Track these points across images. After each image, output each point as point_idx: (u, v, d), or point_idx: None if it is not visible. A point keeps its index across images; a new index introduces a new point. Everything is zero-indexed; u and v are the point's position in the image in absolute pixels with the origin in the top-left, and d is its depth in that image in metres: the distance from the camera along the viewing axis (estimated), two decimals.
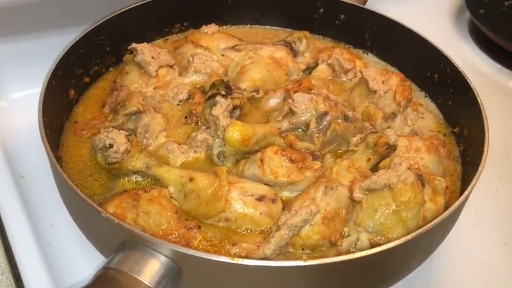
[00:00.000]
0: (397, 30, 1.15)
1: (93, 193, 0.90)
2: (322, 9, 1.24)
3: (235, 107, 0.97)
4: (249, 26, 1.29)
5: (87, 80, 1.10)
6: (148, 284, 0.68)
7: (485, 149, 0.88)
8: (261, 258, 0.78)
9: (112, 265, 0.70)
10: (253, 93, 1.04)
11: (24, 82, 1.16)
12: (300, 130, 0.97)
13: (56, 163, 0.83)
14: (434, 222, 0.76)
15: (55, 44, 1.02)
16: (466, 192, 0.81)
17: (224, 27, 1.25)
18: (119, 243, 0.73)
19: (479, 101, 0.97)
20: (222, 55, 1.15)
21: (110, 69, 1.15)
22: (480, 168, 0.84)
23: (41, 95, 0.92)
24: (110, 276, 0.69)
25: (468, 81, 1.01)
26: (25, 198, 1.00)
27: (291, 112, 0.97)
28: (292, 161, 0.90)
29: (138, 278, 0.68)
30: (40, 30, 1.16)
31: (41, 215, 0.98)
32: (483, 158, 0.86)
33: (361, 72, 1.08)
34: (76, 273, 0.89)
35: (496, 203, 1.08)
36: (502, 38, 1.39)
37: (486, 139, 0.89)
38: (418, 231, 0.74)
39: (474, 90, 0.99)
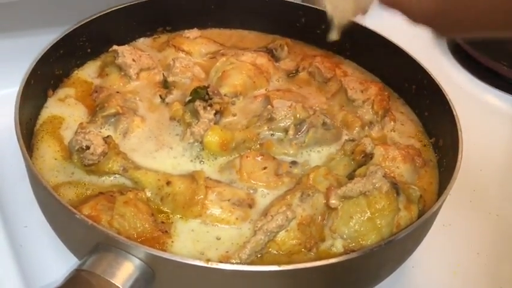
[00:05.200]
0: (376, 40, 1.16)
1: None
2: (303, 18, 1.25)
3: (215, 112, 0.97)
4: (231, 29, 1.29)
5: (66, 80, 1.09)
6: (121, 287, 0.68)
7: (459, 160, 0.89)
8: (235, 263, 0.78)
9: (85, 267, 0.69)
10: (233, 99, 1.05)
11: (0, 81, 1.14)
12: (278, 136, 0.98)
13: (31, 164, 0.82)
14: (407, 229, 0.77)
15: (33, 44, 1.01)
16: (438, 202, 0.83)
17: (207, 29, 1.26)
18: (92, 246, 0.73)
19: (455, 113, 0.99)
20: (204, 60, 1.15)
21: None
22: (453, 179, 0.86)
23: (18, 95, 0.91)
24: (82, 278, 0.68)
25: (444, 93, 1.03)
26: None
27: (271, 118, 0.98)
28: (270, 166, 0.91)
29: (111, 281, 0.68)
30: (18, 29, 1.15)
31: (14, 216, 0.97)
32: (456, 169, 0.87)
33: (340, 80, 1.10)
34: (49, 275, 0.88)
35: (469, 213, 1.10)
36: (479, 51, 1.42)
37: (460, 150, 0.91)
38: (390, 238, 0.76)
39: (450, 102, 1.00)
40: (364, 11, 0.72)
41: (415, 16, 0.66)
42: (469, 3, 0.60)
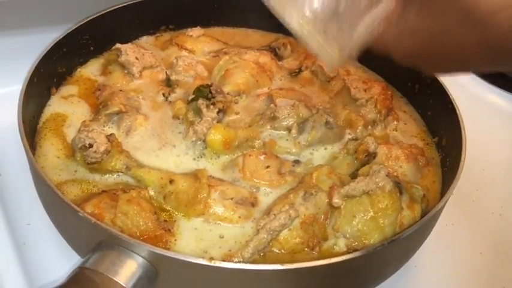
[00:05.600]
0: None
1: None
2: None
3: (218, 111, 0.97)
4: (234, 28, 1.29)
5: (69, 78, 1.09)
6: (124, 285, 0.68)
7: (462, 159, 0.89)
8: (238, 261, 0.78)
9: (88, 265, 0.70)
10: (236, 97, 1.05)
11: (3, 79, 1.14)
12: (281, 135, 0.98)
13: (34, 162, 0.82)
14: (410, 229, 0.77)
15: (36, 42, 1.01)
16: (441, 201, 0.83)
17: (210, 28, 1.26)
18: (95, 243, 0.73)
19: (458, 112, 0.98)
20: (207, 58, 1.16)
21: None
22: (456, 179, 0.86)
23: (21, 93, 0.91)
24: (86, 276, 0.68)
25: (448, 92, 1.02)
26: (2, 196, 0.99)
27: (274, 117, 0.98)
28: (273, 165, 0.91)
29: (114, 279, 0.68)
30: (22, 27, 1.15)
31: (17, 214, 0.97)
32: (459, 168, 0.87)
33: (343, 79, 1.10)
34: (52, 273, 0.88)
35: (472, 213, 1.10)
36: None
37: (463, 150, 0.91)
38: (393, 238, 0.76)
39: (453, 102, 1.00)
40: (352, 57, 0.72)
41: (399, 57, 0.67)
42: (444, 39, 0.61)
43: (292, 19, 0.64)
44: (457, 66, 0.67)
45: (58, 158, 0.93)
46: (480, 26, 0.57)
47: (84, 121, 0.95)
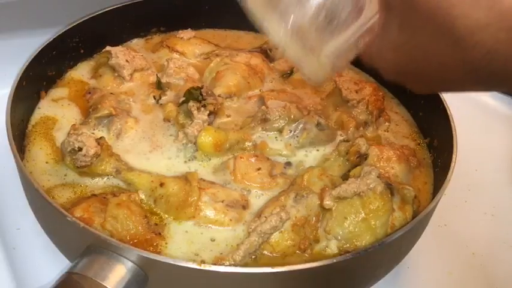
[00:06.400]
0: None
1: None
2: None
3: (209, 113, 0.97)
4: (226, 30, 1.29)
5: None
6: None
7: (454, 160, 0.89)
8: (230, 264, 0.77)
9: (76, 270, 0.69)
10: (227, 99, 1.05)
11: None
12: (273, 136, 0.97)
13: (23, 166, 0.82)
14: (401, 230, 0.77)
15: (26, 45, 1.01)
16: (433, 202, 0.83)
17: (201, 30, 1.25)
18: (84, 248, 0.72)
19: (449, 113, 0.99)
20: (198, 61, 1.15)
21: None
22: (448, 179, 0.86)
23: (10, 96, 0.91)
24: (74, 281, 0.67)
25: (439, 92, 1.02)
26: None
27: (265, 119, 0.98)
28: (264, 167, 0.91)
29: (103, 284, 0.67)
30: (10, 30, 1.15)
31: (7, 218, 0.96)
32: (451, 169, 0.87)
33: (335, 81, 1.10)
34: (41, 278, 0.87)
35: (465, 213, 1.10)
36: None
37: (454, 150, 0.91)
38: (385, 239, 0.75)
39: (444, 102, 1.00)
40: (335, 68, 0.69)
41: (385, 72, 0.64)
42: (424, 56, 0.57)
43: (271, 26, 0.62)
44: (444, 87, 0.63)
45: (47, 163, 0.92)
46: (460, 45, 0.52)
47: (74, 124, 0.94)
